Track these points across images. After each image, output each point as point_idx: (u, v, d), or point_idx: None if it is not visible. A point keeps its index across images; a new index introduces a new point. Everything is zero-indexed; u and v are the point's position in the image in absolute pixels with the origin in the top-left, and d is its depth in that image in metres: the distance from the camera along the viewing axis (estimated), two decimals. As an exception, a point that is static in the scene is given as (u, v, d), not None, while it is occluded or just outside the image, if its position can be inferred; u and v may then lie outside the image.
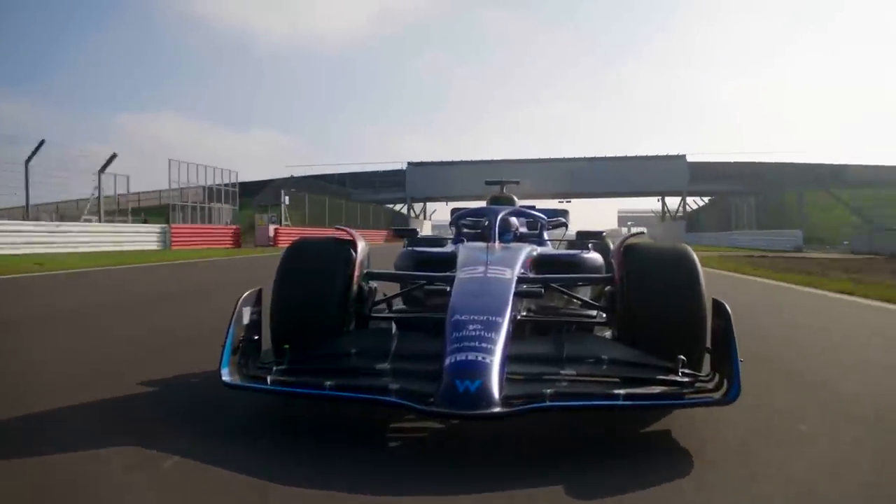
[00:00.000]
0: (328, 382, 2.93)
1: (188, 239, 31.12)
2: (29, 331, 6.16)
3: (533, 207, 6.77)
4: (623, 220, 70.37)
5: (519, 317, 3.47)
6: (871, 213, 40.39)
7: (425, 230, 45.81)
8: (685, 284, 3.42)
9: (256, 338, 3.32)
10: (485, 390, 2.67)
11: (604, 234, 5.33)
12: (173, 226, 31.22)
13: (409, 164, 67.41)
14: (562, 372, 3.04)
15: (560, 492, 2.39)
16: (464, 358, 2.79)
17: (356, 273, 3.78)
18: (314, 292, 3.61)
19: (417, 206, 71.51)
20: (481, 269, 3.66)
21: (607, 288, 4.00)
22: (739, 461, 2.76)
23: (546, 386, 2.90)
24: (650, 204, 74.48)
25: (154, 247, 28.68)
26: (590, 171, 61.86)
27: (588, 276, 4.43)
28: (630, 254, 3.66)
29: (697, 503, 2.35)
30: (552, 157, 63.63)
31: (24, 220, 24.61)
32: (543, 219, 6.47)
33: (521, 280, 3.66)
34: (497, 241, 4.96)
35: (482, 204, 6.79)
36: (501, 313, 3.09)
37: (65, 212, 31.29)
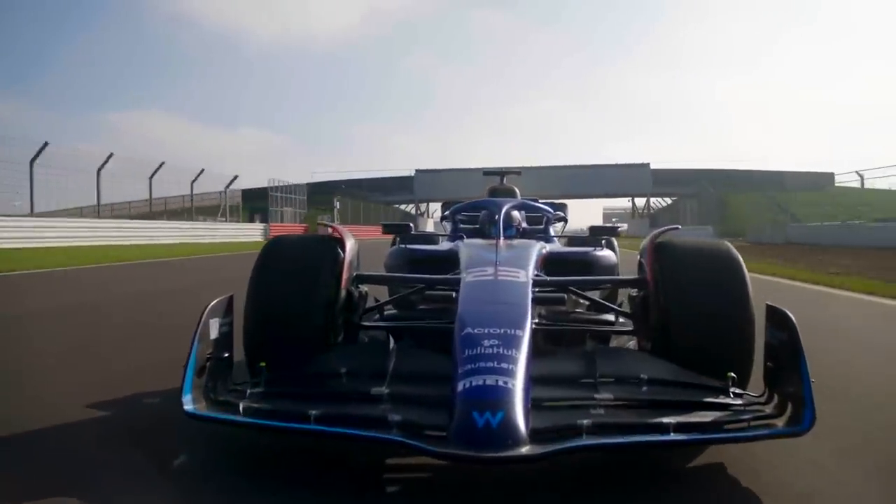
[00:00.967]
0: (313, 412, 2.00)
1: (278, 232, 33.42)
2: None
3: (536, 200, 5.26)
4: (608, 216, 69.10)
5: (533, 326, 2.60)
6: (797, 211, 42.79)
7: (428, 227, 44.87)
8: (731, 287, 2.48)
9: (227, 355, 2.34)
10: (509, 424, 1.79)
11: (620, 230, 4.20)
12: (271, 224, 36.78)
13: (416, 171, 67.01)
14: (596, 396, 2.13)
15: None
16: (481, 383, 1.90)
17: (345, 275, 2.77)
18: (295, 299, 2.60)
19: (423, 207, 71.96)
20: (490, 270, 2.68)
21: (634, 291, 3.01)
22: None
23: (580, 415, 2.00)
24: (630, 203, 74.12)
25: (259, 239, 32.53)
26: (571, 176, 61.08)
27: (616, 278, 3.38)
28: (664, 252, 2.70)
29: None
30: (540, 164, 63.31)
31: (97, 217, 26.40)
32: (549, 212, 4.97)
33: (536, 283, 2.72)
34: (502, 238, 3.75)
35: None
36: (521, 325, 2.17)
37: (119, 211, 32.25)
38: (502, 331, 2.11)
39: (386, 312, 3.24)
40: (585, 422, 1.93)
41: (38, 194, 23.06)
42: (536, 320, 2.78)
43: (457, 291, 2.57)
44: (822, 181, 56.17)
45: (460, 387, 1.90)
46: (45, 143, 22.79)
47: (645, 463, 2.21)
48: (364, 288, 3.04)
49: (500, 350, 2.02)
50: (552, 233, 5.08)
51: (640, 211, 69.65)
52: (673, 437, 1.93)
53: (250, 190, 40.09)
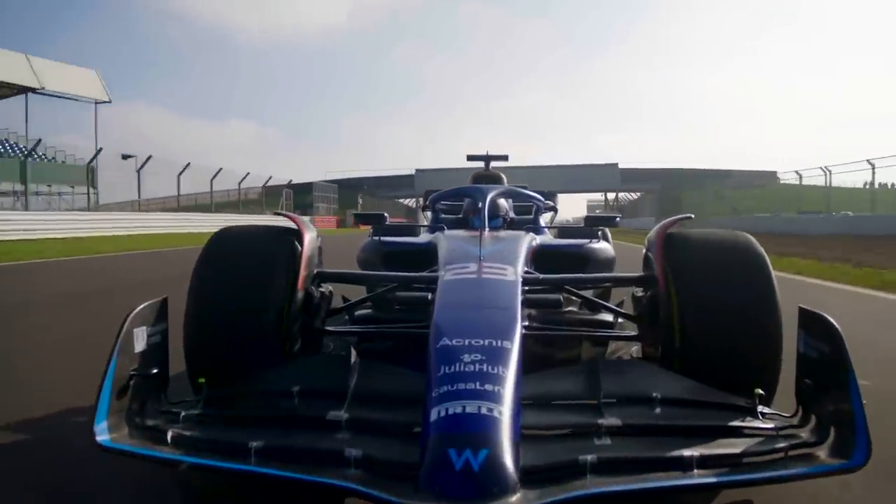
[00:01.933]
0: (255, 443, 1.37)
1: (318, 223, 33.50)
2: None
3: (525, 188, 4.15)
4: (591, 208, 67.62)
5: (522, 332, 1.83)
6: (739, 205, 42.56)
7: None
8: (755, 286, 1.81)
9: (156, 371, 1.64)
10: (495, 464, 1.19)
11: (618, 219, 3.33)
12: (315, 217, 36.30)
13: (416, 170, 64.45)
14: (601, 421, 1.48)
15: None
16: (460, 410, 1.28)
17: (302, 273, 2.01)
18: (242, 301, 1.88)
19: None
20: (473, 266, 1.98)
21: (639, 291, 2.25)
22: None
23: (582, 447, 1.37)
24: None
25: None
26: (548, 174, 58.57)
27: (619, 275, 2.53)
28: (676, 245, 1.98)
29: None
30: (523, 160, 63.12)
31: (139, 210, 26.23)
32: (540, 200, 3.86)
33: (526, 282, 2.03)
34: (487, 229, 2.83)
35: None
36: (509, 334, 1.52)
37: (153, 205, 32.34)
38: (486, 342, 1.46)
39: (358, 313, 2.51)
40: (589, 457, 1.31)
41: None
42: (526, 323, 2.09)
43: (433, 292, 1.88)
44: (766, 178, 55.67)
45: (434, 415, 1.27)
46: (100, 149, 24.16)
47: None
48: (328, 287, 2.28)
49: (484, 367, 1.38)
50: (543, 223, 4.04)
51: (610, 203, 69.60)
52: (698, 479, 1.31)
53: (288, 185, 40.12)
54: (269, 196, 37.05)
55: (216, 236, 2.06)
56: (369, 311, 2.55)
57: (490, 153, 4.41)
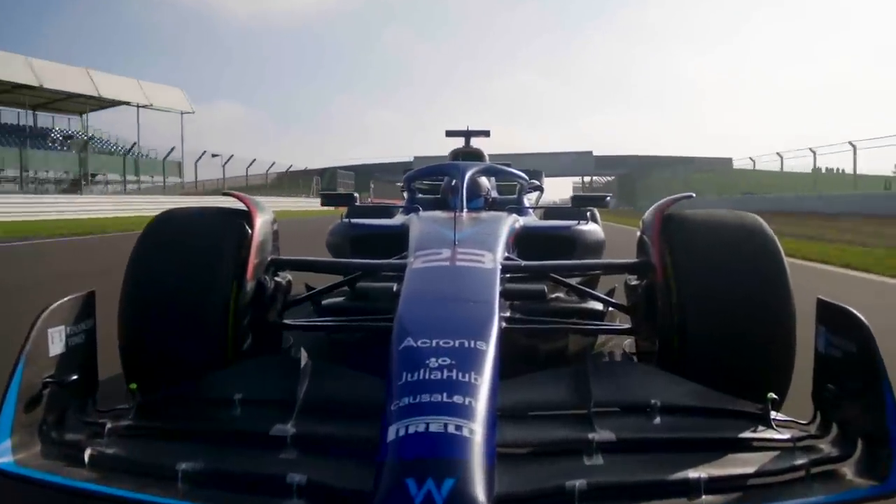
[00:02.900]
0: (183, 465, 0.99)
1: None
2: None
3: (508, 165, 3.48)
4: (577, 189, 66.70)
5: (502, 328, 1.37)
6: (698, 189, 40.75)
7: None
8: (766, 274, 1.40)
9: (75, 377, 1.21)
10: (463, 497, 0.78)
11: (608, 198, 2.78)
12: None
13: (415, 157, 63.99)
14: (591, 436, 1.09)
15: None
16: (423, 429, 0.88)
17: (253, 260, 1.56)
18: (182, 293, 1.44)
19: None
20: (446, 252, 1.56)
21: (633, 279, 1.81)
22: None
23: (570, 469, 1.00)
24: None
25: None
26: (530, 160, 58.89)
27: (611, 262, 2.00)
28: (677, 227, 1.55)
29: None
30: (508, 145, 62.31)
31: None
32: (524, 178, 3.22)
33: (506, 269, 1.60)
34: (465, 210, 2.39)
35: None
36: (484, 332, 1.13)
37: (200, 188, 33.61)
38: (457, 343, 1.08)
39: (326, 303, 2.04)
40: (578, 483, 0.93)
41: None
42: (508, 314, 1.67)
43: (400, 282, 1.47)
44: (721, 164, 54.74)
45: (391, 433, 0.90)
46: (172, 148, 27.00)
47: None
48: (287, 276, 1.80)
49: (454, 373, 1.00)
50: (527, 203, 3.39)
51: (585, 185, 68.75)
52: None
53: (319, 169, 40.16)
54: (291, 181, 36.61)
55: (156, 220, 1.60)
56: (340, 299, 2.09)
57: (471, 128, 3.76)
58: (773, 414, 1.18)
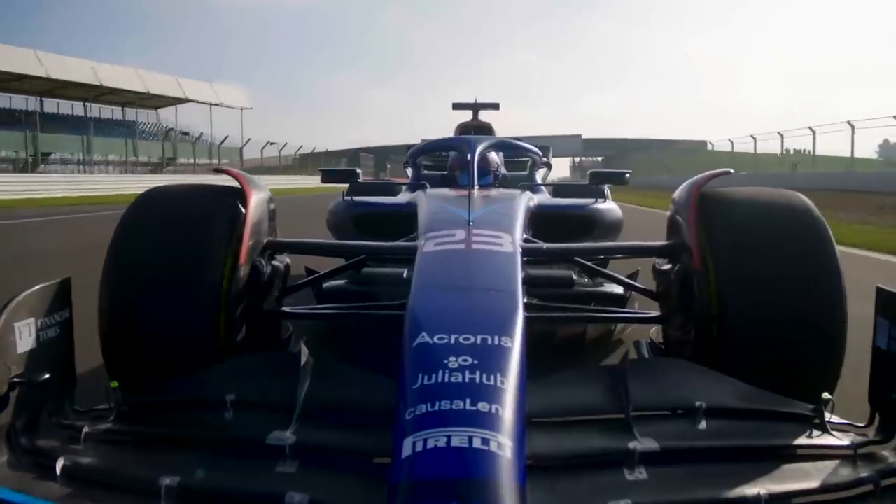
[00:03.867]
0: (167, 481, 0.73)
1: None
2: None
3: (518, 139, 2.85)
4: (574, 169, 63.08)
5: (525, 318, 0.96)
6: (675, 168, 40.40)
7: None
8: (816, 259, 1.09)
9: (49, 375, 0.92)
10: None
11: (627, 175, 2.28)
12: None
13: (422, 140, 62.28)
14: (632, 445, 0.80)
15: None
16: (443, 443, 0.60)
17: (247, 242, 1.22)
18: (169, 278, 1.13)
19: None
20: (460, 234, 1.22)
21: (666, 265, 1.43)
22: None
23: (611, 486, 0.72)
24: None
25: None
26: (525, 142, 57.94)
27: (640, 244, 1.53)
28: (716, 207, 1.22)
29: None
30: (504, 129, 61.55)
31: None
32: (537, 153, 2.67)
33: (527, 253, 1.30)
34: (476, 187, 1.91)
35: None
36: (509, 326, 0.83)
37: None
38: (479, 339, 0.82)
39: (328, 286, 1.72)
40: (622, 503, 0.70)
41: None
42: (535, 302, 1.37)
43: (411, 268, 1.17)
44: (698, 147, 54.08)
45: (407, 448, 0.65)
46: (226, 136, 27.74)
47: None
48: (285, 259, 1.46)
49: (476, 376, 0.75)
50: (538, 180, 2.82)
51: (574, 165, 68.46)
52: None
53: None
54: (313, 162, 36.20)
55: (141, 198, 1.28)
56: (342, 282, 1.76)
57: (479, 101, 3.17)
58: (828, 416, 0.92)
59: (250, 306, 1.27)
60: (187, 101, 30.06)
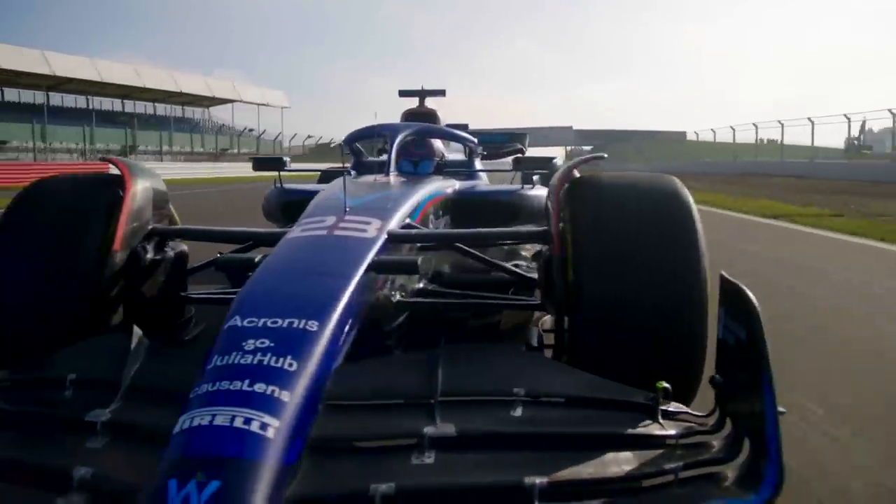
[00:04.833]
0: None
1: None
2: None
3: (465, 127, 3.00)
4: (571, 157, 63.69)
5: (358, 306, 1.01)
6: (653, 157, 41.77)
7: None
8: (675, 241, 1.06)
9: None
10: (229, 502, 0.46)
11: (555, 160, 2.43)
12: None
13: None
14: (426, 430, 0.77)
15: None
16: (206, 421, 0.57)
17: (123, 227, 1.27)
18: (42, 265, 1.19)
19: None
20: (330, 220, 1.23)
21: (543, 249, 1.37)
22: None
23: (389, 470, 0.67)
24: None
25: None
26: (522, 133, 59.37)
27: (519, 230, 1.71)
28: (580, 192, 1.20)
29: None
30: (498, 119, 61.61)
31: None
32: (472, 141, 2.66)
33: (398, 238, 1.28)
34: (392, 173, 1.93)
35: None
36: (324, 311, 0.83)
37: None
38: (286, 323, 0.80)
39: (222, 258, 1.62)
40: (384, 487, 0.64)
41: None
42: (398, 295, 1.33)
43: (269, 253, 1.14)
44: (678, 137, 55.19)
45: (178, 425, 0.62)
46: (264, 130, 30.72)
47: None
48: (181, 246, 1.47)
49: (266, 358, 0.73)
50: (478, 166, 2.80)
51: (568, 152, 70.32)
52: None
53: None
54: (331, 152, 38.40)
55: (26, 189, 1.32)
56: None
57: (425, 87, 3.15)
58: (665, 405, 0.85)
59: (131, 291, 1.25)
60: (240, 101, 33.22)
